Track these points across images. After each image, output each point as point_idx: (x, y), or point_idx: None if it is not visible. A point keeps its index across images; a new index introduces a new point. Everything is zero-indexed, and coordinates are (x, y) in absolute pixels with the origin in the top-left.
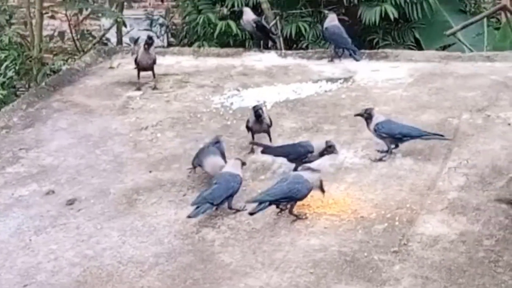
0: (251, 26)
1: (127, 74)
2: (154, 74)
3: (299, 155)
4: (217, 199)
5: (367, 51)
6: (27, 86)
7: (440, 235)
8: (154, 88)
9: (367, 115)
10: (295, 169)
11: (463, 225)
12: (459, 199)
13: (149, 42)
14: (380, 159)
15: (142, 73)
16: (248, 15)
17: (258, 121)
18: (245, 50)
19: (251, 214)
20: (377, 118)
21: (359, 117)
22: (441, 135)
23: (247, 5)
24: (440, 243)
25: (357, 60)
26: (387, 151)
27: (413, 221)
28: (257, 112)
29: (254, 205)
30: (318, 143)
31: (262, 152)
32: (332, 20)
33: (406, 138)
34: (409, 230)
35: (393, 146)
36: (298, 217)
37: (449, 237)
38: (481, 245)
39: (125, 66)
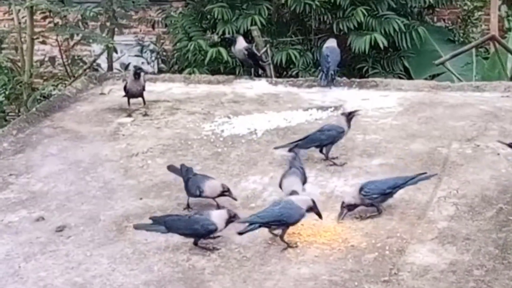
0: (243, 53)
1: (118, 100)
2: (144, 101)
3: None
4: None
5: (357, 79)
6: (17, 111)
7: (431, 265)
8: (145, 114)
9: None
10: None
11: (453, 255)
12: (449, 229)
13: (138, 72)
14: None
15: (133, 100)
16: (240, 43)
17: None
18: (236, 78)
19: (240, 233)
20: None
21: (349, 145)
22: (424, 173)
23: (237, 32)
24: (431, 273)
25: (320, 85)
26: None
27: (404, 251)
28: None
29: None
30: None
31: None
32: (330, 42)
33: (395, 190)
34: (399, 260)
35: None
36: (288, 245)
37: (439, 266)
38: (471, 275)
39: (116, 92)
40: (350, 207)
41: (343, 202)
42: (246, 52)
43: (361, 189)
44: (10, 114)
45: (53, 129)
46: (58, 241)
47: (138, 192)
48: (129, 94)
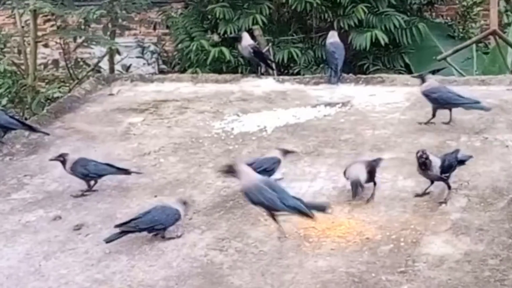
0: (248, 51)
1: (127, 100)
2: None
3: None
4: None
5: (363, 76)
6: (21, 114)
7: (446, 255)
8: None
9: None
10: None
11: (467, 245)
12: (462, 220)
13: None
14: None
15: (142, 100)
16: (246, 40)
17: None
18: (243, 76)
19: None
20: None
21: (359, 141)
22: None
23: (239, 31)
24: (446, 263)
25: (330, 82)
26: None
27: (418, 242)
28: None
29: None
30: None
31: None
32: (331, 37)
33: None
34: (414, 251)
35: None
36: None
37: (454, 257)
38: (486, 265)
39: (124, 93)
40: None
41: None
42: (251, 50)
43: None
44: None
45: (65, 130)
46: (76, 239)
47: (153, 190)
48: None
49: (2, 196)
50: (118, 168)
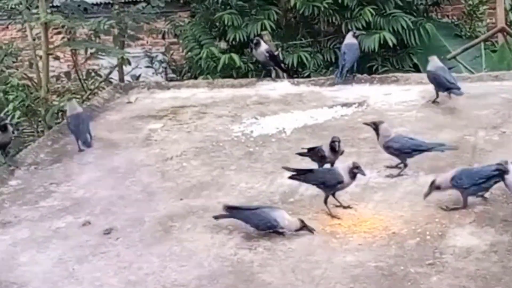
0: (264, 55)
1: (145, 107)
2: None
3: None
4: None
5: (378, 76)
6: (35, 126)
7: (472, 247)
8: None
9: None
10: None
11: (492, 236)
12: (485, 212)
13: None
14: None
15: (160, 107)
16: (263, 45)
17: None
18: (258, 80)
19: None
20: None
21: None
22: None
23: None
24: (473, 254)
25: (334, 82)
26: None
27: (444, 235)
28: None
29: None
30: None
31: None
32: (347, 38)
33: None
34: (441, 243)
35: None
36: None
37: (480, 248)
38: None
39: (142, 100)
40: (438, 188)
41: (433, 181)
42: (267, 54)
43: (452, 178)
44: (25, 130)
45: None
46: (107, 243)
47: (178, 194)
48: None
49: (31, 204)
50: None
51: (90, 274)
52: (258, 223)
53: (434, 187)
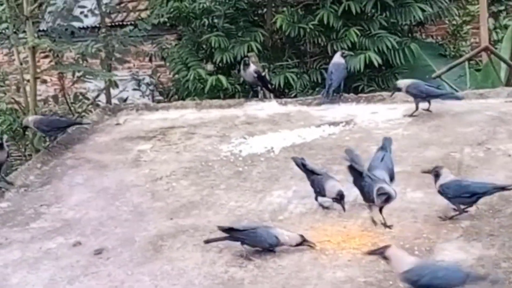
0: (253, 76)
1: (134, 129)
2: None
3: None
4: None
5: (364, 95)
6: (23, 150)
7: (460, 261)
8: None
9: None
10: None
11: (479, 250)
12: (472, 227)
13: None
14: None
15: (149, 128)
16: (252, 66)
17: None
18: (246, 101)
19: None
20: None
21: (365, 157)
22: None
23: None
24: None
25: (320, 101)
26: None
27: (432, 250)
28: None
29: None
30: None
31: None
32: (335, 57)
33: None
34: (429, 258)
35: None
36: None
37: (468, 262)
38: (500, 267)
39: (131, 122)
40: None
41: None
42: (256, 75)
43: (441, 185)
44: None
45: (76, 160)
46: (98, 263)
47: (168, 213)
48: None
49: (21, 226)
50: None
51: None
52: (261, 241)
53: (434, 173)
